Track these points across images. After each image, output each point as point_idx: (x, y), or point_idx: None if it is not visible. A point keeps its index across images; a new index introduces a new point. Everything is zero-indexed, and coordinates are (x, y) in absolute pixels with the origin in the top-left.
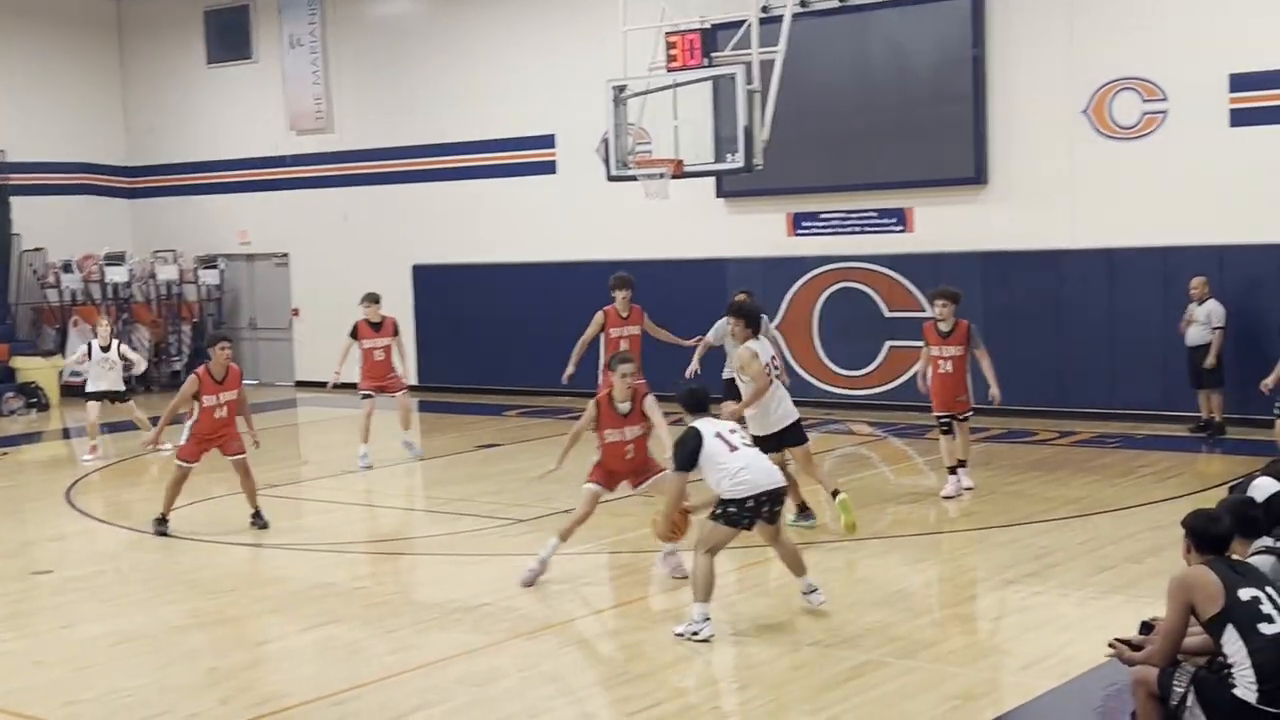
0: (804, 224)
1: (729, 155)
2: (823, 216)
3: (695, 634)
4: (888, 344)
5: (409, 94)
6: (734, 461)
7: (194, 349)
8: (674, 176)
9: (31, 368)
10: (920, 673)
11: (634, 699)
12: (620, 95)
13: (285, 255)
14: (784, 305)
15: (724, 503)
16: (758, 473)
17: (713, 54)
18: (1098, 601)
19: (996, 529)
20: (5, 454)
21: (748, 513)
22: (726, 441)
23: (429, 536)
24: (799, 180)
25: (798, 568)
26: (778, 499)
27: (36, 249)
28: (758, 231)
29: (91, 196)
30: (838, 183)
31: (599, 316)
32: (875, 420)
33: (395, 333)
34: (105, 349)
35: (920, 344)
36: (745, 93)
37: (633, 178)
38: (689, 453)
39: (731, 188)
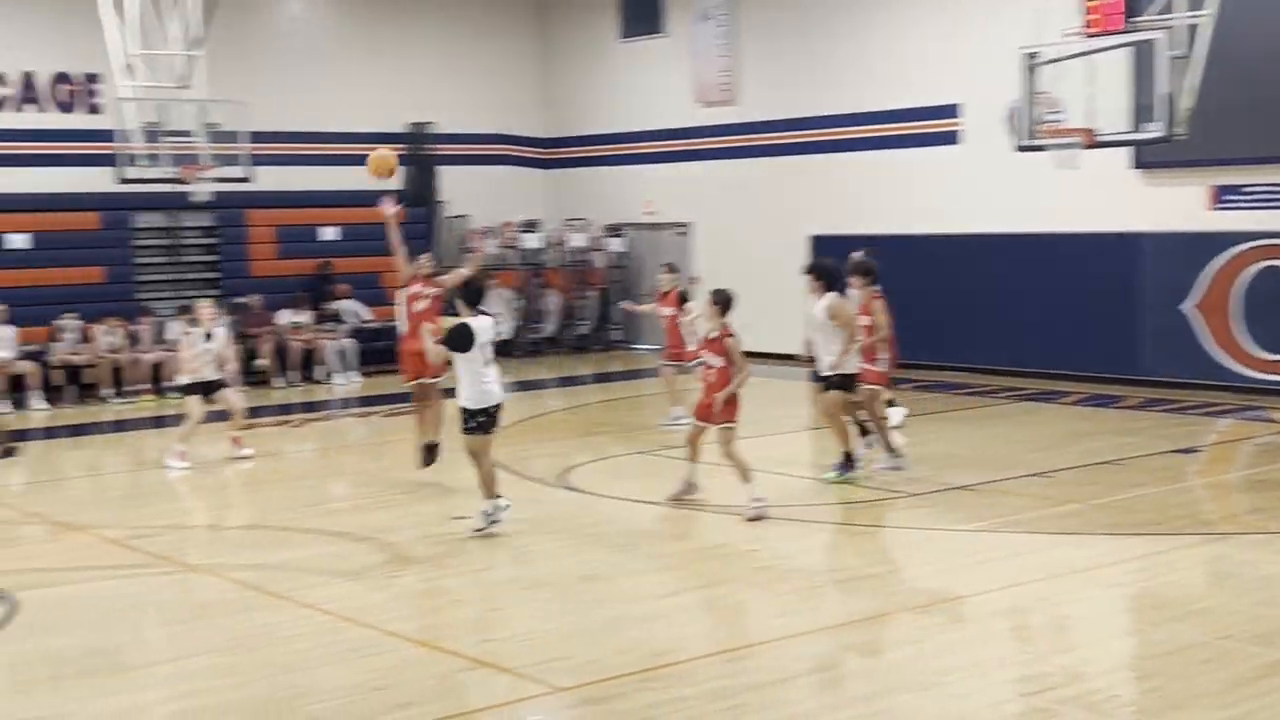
0: (1227, 197)
1: (1147, 124)
2: (1248, 190)
3: None
4: None
5: (812, 66)
6: None
7: (600, 314)
8: (1087, 147)
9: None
10: None
11: (1030, 680)
12: (1033, 63)
13: (686, 225)
14: (1201, 283)
15: None
16: None
17: (1134, 19)
18: None
19: None
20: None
21: None
22: None
23: (820, 505)
24: (1224, 151)
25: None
26: None
27: (460, 216)
28: (1175, 204)
29: (510, 167)
30: (1265, 154)
31: None
32: None
33: (679, 304)
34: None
35: None
36: (1169, 59)
37: (1043, 148)
38: None
39: (1149, 158)
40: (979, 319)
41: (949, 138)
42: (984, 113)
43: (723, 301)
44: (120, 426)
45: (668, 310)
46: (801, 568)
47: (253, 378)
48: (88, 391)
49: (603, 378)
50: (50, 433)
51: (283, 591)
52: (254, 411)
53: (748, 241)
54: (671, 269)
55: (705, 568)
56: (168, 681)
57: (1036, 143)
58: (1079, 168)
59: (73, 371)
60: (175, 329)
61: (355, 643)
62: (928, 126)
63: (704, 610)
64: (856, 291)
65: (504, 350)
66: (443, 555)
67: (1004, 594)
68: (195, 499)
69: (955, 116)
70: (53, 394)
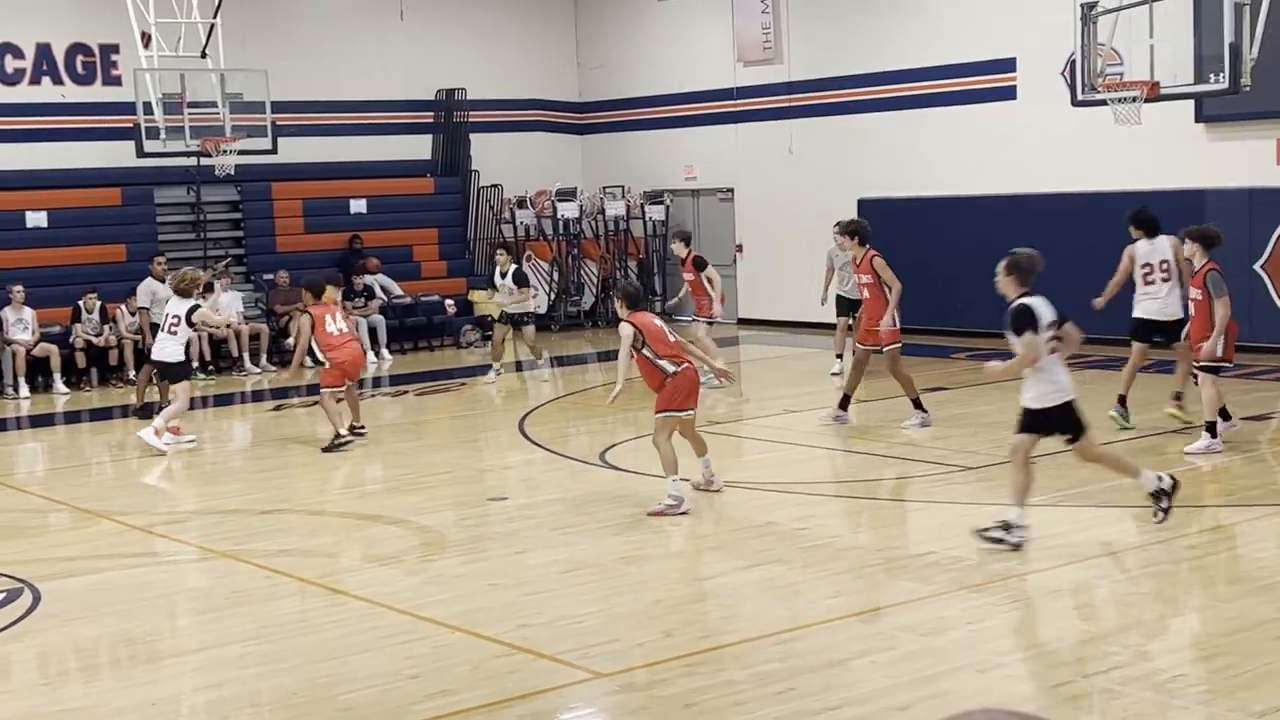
0: None
1: (1212, 76)
2: None
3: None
4: None
5: (858, 21)
6: None
7: (641, 284)
8: (1148, 100)
9: (488, 301)
10: None
11: (1092, 659)
12: (1090, 13)
13: (730, 190)
14: (1272, 243)
15: None
16: None
17: None
18: None
19: None
20: (462, 385)
21: None
22: None
23: (870, 480)
24: None
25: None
26: None
27: (493, 185)
28: (1242, 159)
29: (545, 133)
30: None
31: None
32: None
33: (696, 269)
34: (504, 275)
35: None
36: (1233, 7)
37: (1102, 102)
38: None
39: (1213, 111)
40: (1040, 282)
41: (1007, 93)
42: (1042, 66)
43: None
44: (144, 411)
45: (689, 275)
46: (853, 546)
47: (283, 358)
48: (113, 374)
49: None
50: (71, 417)
51: (314, 578)
52: (283, 393)
53: (794, 207)
54: (683, 237)
55: (752, 547)
56: (200, 671)
57: (1096, 97)
58: (1140, 122)
59: (95, 354)
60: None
61: (389, 629)
62: (983, 82)
63: (752, 592)
64: (850, 251)
65: (543, 323)
66: (479, 538)
67: (1065, 571)
68: (222, 483)
69: (1013, 71)
70: (75, 377)
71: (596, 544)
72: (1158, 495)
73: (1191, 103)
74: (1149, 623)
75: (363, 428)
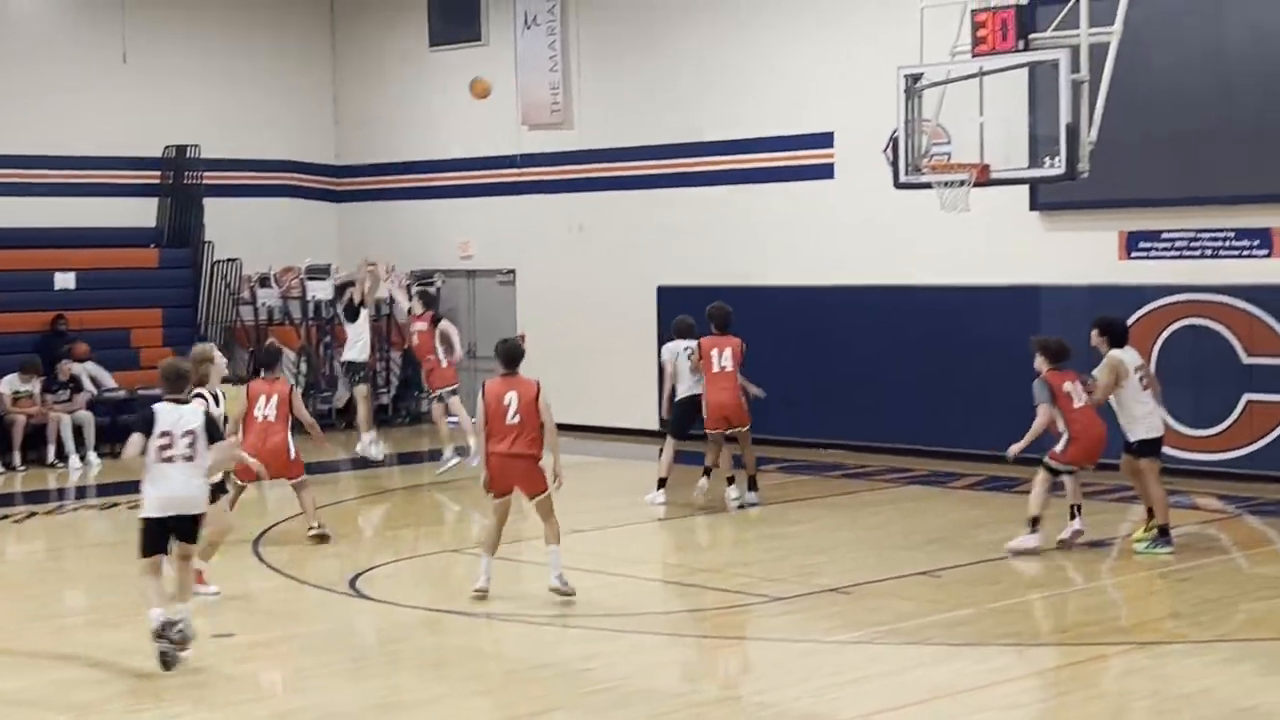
0: (1141, 245)
1: (1047, 159)
2: (1165, 236)
3: None
4: (1245, 397)
5: (660, 83)
6: None
7: (403, 379)
8: (977, 184)
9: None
10: None
11: None
12: (914, 85)
13: (511, 272)
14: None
15: None
16: None
17: (1030, 36)
18: None
19: None
20: None
21: None
22: None
23: (668, 613)
24: (1135, 191)
25: None
26: None
27: (231, 259)
28: (1082, 253)
29: (294, 199)
30: (1185, 195)
31: None
32: (1227, 493)
33: (432, 323)
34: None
35: None
36: (1070, 83)
37: (927, 185)
38: None
39: (1050, 199)
40: (855, 387)
41: (824, 171)
42: (862, 142)
43: (1052, 349)
44: None
45: (420, 326)
46: (645, 690)
47: None
48: None
49: (407, 458)
50: None
51: None
52: None
53: (584, 292)
54: (424, 297)
55: (527, 693)
56: None
57: (920, 179)
58: (969, 209)
59: None
60: None
61: None
62: (798, 158)
63: None
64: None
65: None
66: (201, 684)
67: (885, 718)
68: None
69: (829, 146)
70: None
71: (343, 690)
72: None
73: (1026, 189)
74: None
75: None
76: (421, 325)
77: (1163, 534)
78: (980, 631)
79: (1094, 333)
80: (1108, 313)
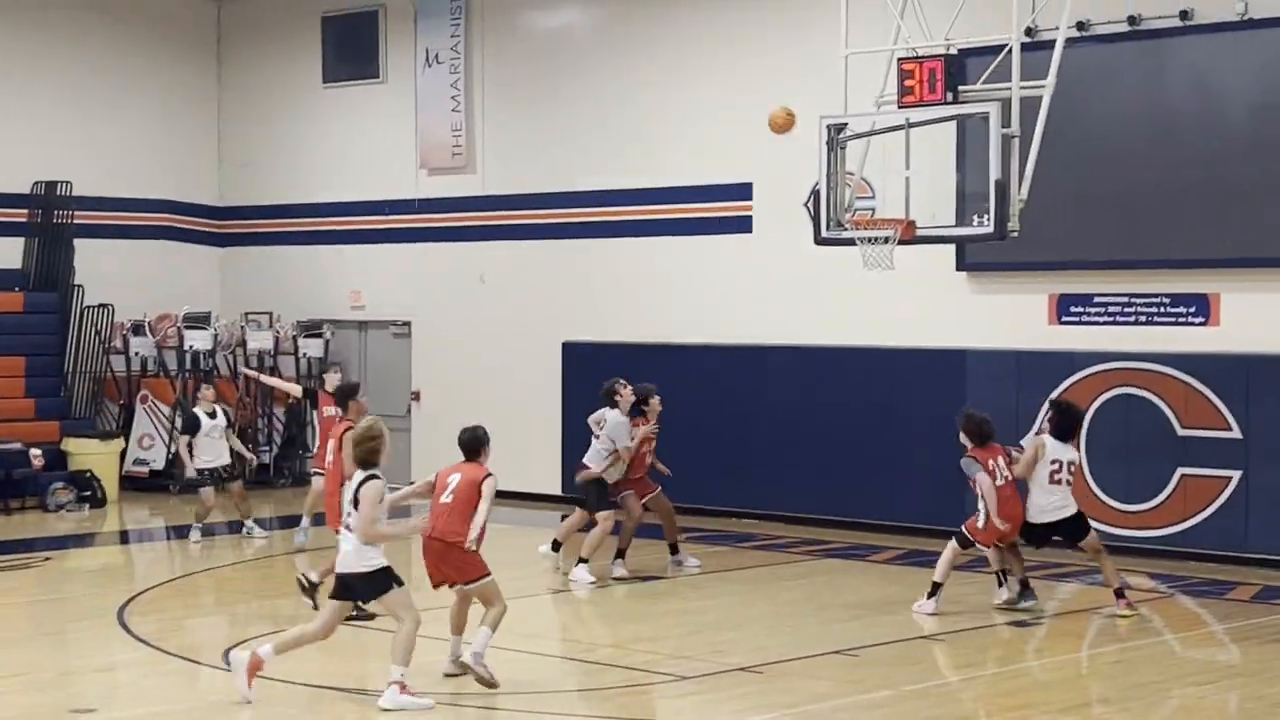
0: (1072, 309)
1: (975, 217)
2: (1098, 300)
3: None
4: (1180, 471)
5: (570, 127)
6: None
7: (286, 438)
8: (902, 242)
9: (87, 452)
10: None
11: None
12: (837, 137)
13: (407, 324)
14: (1043, 413)
15: None
16: None
17: (959, 87)
18: None
19: None
20: (48, 559)
21: None
22: None
23: (565, 692)
24: (1067, 253)
25: None
26: None
27: (102, 305)
28: (1010, 316)
29: (172, 242)
30: (1119, 257)
31: None
32: (1160, 571)
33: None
34: (212, 415)
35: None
36: (1000, 138)
37: (850, 241)
38: None
39: (977, 259)
40: (770, 454)
41: (741, 224)
42: (782, 194)
43: (973, 429)
44: None
45: (330, 410)
46: None
47: None
48: None
49: (289, 521)
50: None
51: None
52: None
53: (485, 347)
54: (339, 369)
55: None
56: None
57: (842, 235)
58: (893, 267)
59: None
60: None
61: None
62: (713, 210)
63: None
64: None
65: (157, 485)
66: None
67: None
68: None
69: (748, 199)
70: None
71: None
72: None
73: (953, 248)
74: None
75: None
76: (330, 409)
77: (1024, 588)
78: (898, 715)
79: (1049, 414)
80: (1038, 379)
